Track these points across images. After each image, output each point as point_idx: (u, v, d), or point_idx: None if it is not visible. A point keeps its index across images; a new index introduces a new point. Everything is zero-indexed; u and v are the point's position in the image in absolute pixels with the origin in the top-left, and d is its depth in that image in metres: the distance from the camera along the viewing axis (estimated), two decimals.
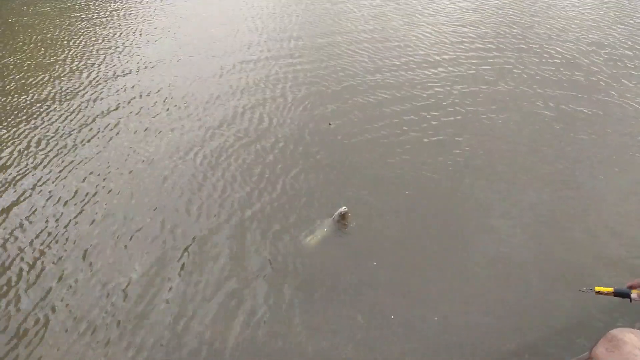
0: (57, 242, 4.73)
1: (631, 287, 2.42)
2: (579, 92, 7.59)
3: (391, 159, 5.89)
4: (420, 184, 5.46)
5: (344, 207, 4.71)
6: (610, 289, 2.51)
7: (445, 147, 6.11)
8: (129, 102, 7.41)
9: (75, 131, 6.64)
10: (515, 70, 8.32)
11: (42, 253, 4.62)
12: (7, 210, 5.19)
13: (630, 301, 2.44)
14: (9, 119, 6.93)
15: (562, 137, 6.38)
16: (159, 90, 7.75)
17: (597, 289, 2.56)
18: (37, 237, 4.81)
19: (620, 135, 6.43)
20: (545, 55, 9.01)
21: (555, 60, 8.77)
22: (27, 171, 5.81)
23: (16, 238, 4.81)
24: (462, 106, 7.10)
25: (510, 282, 4.23)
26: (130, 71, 8.50)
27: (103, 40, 9.96)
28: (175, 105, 7.29)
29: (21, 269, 4.46)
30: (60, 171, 5.79)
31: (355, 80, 7.96)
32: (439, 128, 6.54)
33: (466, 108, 7.05)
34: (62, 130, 6.67)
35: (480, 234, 4.75)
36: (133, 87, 7.91)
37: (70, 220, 4.99)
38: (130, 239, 4.74)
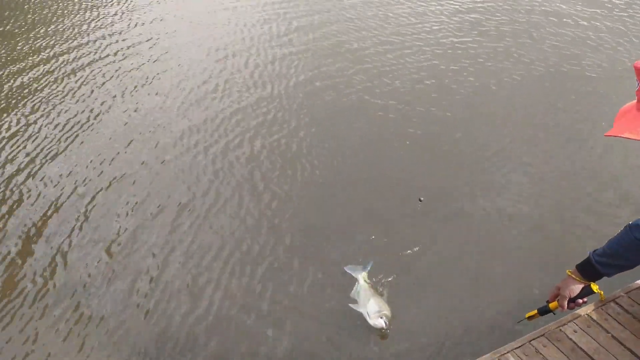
0: None
1: (549, 302, 2.35)
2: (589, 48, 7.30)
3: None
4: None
5: (383, 323, 3.45)
6: (534, 311, 2.42)
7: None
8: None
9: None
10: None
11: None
12: None
13: (555, 314, 2.35)
14: None
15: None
16: None
17: (527, 315, 2.46)
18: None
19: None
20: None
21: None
22: None
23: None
24: None
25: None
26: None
27: None
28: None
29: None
30: None
31: None
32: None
33: None
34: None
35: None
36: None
37: None
38: None
